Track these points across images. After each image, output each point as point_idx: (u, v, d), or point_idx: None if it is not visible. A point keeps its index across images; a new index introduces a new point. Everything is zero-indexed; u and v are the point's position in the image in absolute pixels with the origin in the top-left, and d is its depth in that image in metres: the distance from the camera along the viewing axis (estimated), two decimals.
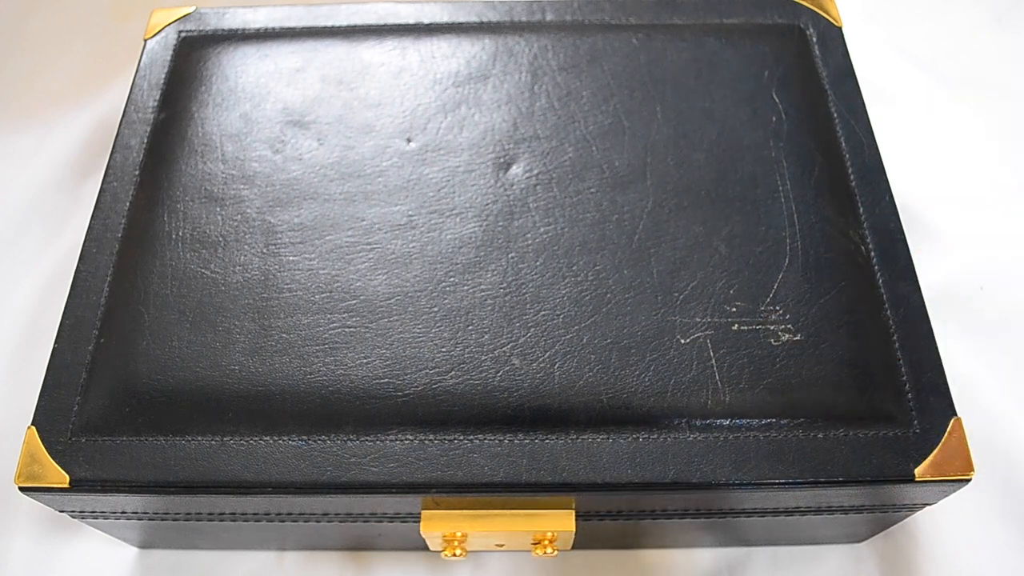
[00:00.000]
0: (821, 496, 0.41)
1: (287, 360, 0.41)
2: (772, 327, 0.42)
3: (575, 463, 0.39)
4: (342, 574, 0.51)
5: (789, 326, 0.42)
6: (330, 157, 0.48)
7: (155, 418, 0.41)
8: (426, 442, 0.40)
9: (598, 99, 0.50)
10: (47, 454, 0.40)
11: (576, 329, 0.42)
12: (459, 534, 0.43)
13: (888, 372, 0.41)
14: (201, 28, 0.55)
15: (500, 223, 0.45)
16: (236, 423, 0.41)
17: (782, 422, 0.40)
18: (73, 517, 0.44)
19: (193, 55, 0.53)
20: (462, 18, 0.55)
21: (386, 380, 0.41)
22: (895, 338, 0.42)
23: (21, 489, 0.40)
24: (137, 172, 0.49)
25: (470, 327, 0.42)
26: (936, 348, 0.42)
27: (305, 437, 0.40)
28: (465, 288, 0.43)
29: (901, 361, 0.42)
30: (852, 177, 0.47)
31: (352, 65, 0.52)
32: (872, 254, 0.45)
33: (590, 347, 0.41)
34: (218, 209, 0.46)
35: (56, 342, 0.43)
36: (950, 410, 0.40)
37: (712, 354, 0.41)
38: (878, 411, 0.40)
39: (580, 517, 0.43)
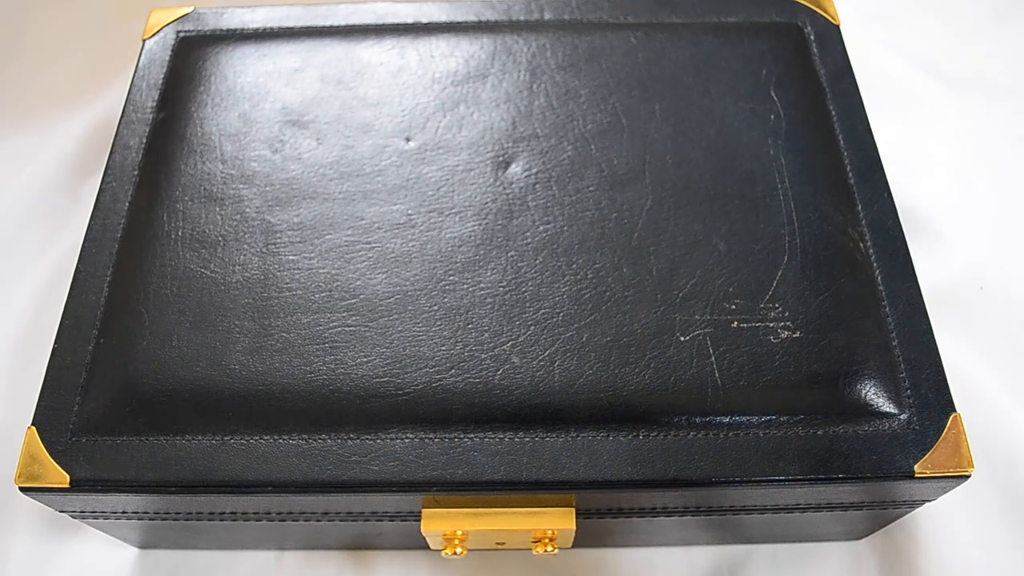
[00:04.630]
0: (821, 493, 0.41)
1: (287, 359, 0.41)
2: (771, 324, 0.42)
3: (575, 461, 0.39)
4: (342, 573, 0.51)
5: (788, 323, 0.42)
6: (329, 156, 0.48)
7: (155, 418, 0.41)
8: (427, 440, 0.40)
9: (597, 98, 0.50)
10: (47, 454, 0.40)
11: (576, 327, 0.42)
12: (459, 532, 0.43)
13: (887, 369, 0.41)
14: (199, 28, 0.55)
15: (499, 222, 0.45)
16: (236, 423, 0.41)
17: (782, 419, 0.40)
18: (73, 517, 0.44)
19: (192, 55, 0.53)
20: (460, 17, 0.55)
21: (386, 379, 0.41)
22: (894, 335, 0.42)
23: (21, 489, 0.40)
24: (136, 172, 0.49)
25: (470, 325, 0.42)
26: (935, 344, 0.42)
27: (306, 436, 0.40)
28: (465, 287, 0.43)
29: (900, 358, 0.42)
30: (851, 175, 0.47)
31: (351, 64, 0.52)
32: (871, 251, 0.45)
33: (590, 345, 0.41)
34: (217, 209, 0.46)
35: (56, 342, 0.43)
36: (949, 406, 0.40)
37: (712, 352, 0.41)
38: (877, 408, 0.40)
39: (580, 515, 0.43)
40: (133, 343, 0.42)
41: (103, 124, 0.70)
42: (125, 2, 0.79)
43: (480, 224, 0.45)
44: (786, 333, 0.42)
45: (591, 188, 0.46)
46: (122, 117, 0.51)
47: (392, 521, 0.44)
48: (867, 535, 0.50)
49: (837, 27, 0.54)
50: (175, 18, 0.56)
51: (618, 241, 0.45)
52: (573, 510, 0.42)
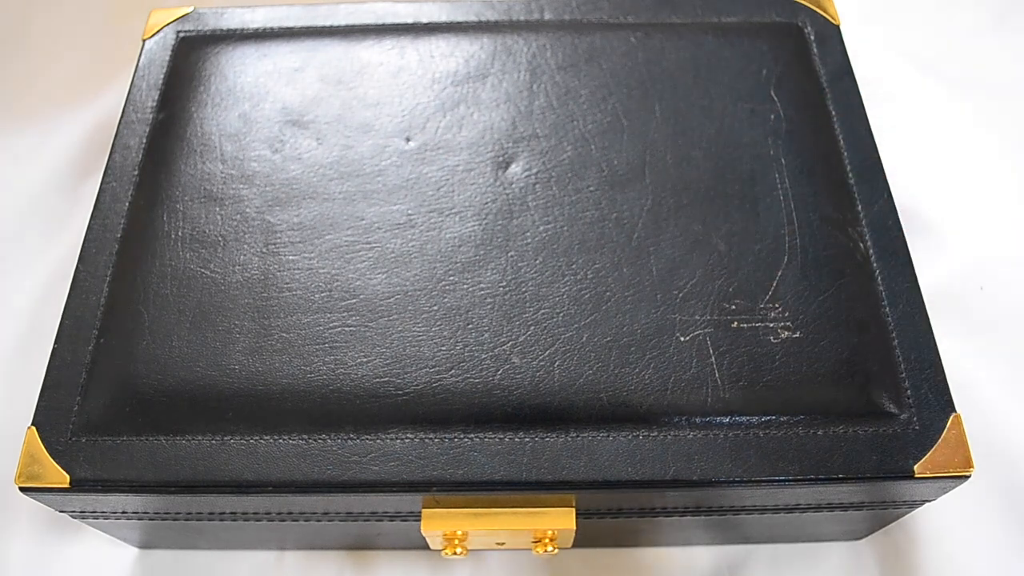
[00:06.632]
0: (821, 493, 0.41)
1: (287, 359, 0.41)
2: (771, 324, 0.42)
3: (575, 461, 0.39)
4: (342, 573, 0.51)
5: (788, 323, 0.42)
6: (329, 156, 0.48)
7: (155, 418, 0.41)
8: (426, 440, 0.40)
9: (597, 98, 0.50)
10: (47, 454, 0.40)
11: (576, 327, 0.42)
12: (460, 532, 0.43)
13: (887, 369, 0.41)
14: (199, 28, 0.55)
15: (499, 222, 0.45)
16: (236, 423, 0.41)
17: (781, 419, 0.40)
18: (73, 517, 0.44)
19: (192, 55, 0.53)
20: (460, 17, 0.55)
21: (386, 379, 0.41)
22: (894, 335, 0.42)
23: (21, 489, 0.40)
24: (136, 172, 0.49)
25: (470, 325, 0.42)
26: (935, 344, 0.42)
27: (305, 436, 0.40)
28: (465, 287, 0.43)
29: (900, 358, 0.42)
30: (850, 175, 0.47)
31: (351, 64, 0.52)
32: (871, 251, 0.45)
33: (590, 345, 0.41)
34: (217, 209, 0.46)
35: (56, 342, 0.43)
36: (949, 406, 0.41)
37: (711, 352, 0.41)
38: (877, 408, 0.40)
39: (580, 515, 0.43)
40: (133, 343, 0.42)
41: (103, 124, 0.70)
42: (125, 2, 0.79)
43: (480, 224, 0.45)
44: (786, 333, 0.42)
45: (591, 188, 0.46)
46: (122, 117, 0.51)
47: (392, 521, 0.44)
48: (867, 535, 0.50)
49: (837, 27, 0.54)
50: (175, 18, 0.56)
51: (618, 241, 0.45)
52: (573, 510, 0.42)
